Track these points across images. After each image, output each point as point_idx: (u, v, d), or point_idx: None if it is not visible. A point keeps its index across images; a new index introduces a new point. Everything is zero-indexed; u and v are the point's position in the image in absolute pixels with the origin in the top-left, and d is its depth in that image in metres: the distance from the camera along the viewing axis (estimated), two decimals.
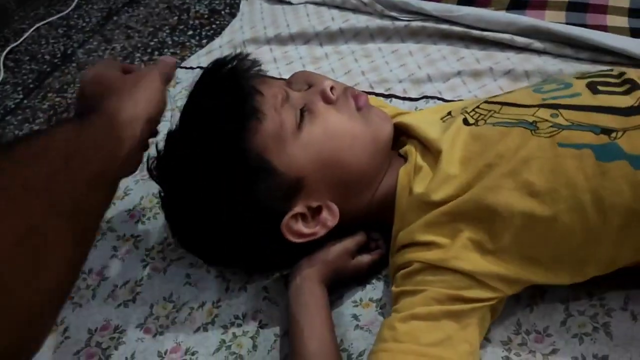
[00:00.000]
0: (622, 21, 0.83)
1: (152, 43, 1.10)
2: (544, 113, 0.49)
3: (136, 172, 0.75)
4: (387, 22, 0.91)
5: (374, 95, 0.78)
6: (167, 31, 1.12)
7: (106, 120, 0.43)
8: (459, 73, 0.80)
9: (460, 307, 0.47)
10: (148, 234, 0.67)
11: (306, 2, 1.02)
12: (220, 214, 0.52)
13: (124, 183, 0.74)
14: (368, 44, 0.91)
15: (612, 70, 0.55)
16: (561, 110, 0.49)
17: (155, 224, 0.68)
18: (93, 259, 0.65)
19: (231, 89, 0.52)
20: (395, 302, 0.50)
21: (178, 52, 1.06)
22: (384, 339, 0.47)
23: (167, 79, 0.52)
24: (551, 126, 0.48)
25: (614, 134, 0.46)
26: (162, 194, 0.58)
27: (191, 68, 0.94)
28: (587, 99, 0.50)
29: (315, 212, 0.53)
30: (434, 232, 0.49)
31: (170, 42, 1.09)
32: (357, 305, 0.56)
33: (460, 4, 0.91)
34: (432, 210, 0.50)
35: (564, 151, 0.46)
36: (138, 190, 0.73)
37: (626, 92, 0.49)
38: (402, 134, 0.60)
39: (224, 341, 0.56)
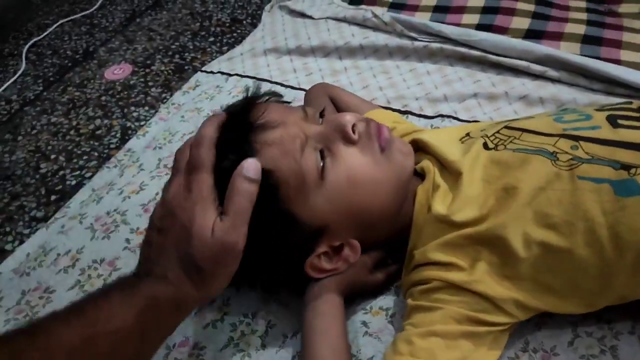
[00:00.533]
0: (636, 56, 0.85)
1: (173, 46, 1.12)
2: (564, 144, 0.50)
3: (152, 169, 0.77)
4: (406, 42, 0.94)
5: (391, 111, 0.79)
6: (189, 36, 1.15)
7: (179, 300, 0.41)
8: (475, 95, 0.82)
9: (477, 329, 0.47)
10: None
11: (327, 18, 1.05)
12: (248, 252, 0.47)
13: (140, 178, 0.76)
14: (386, 60, 0.93)
15: (631, 103, 0.55)
16: (581, 143, 0.50)
17: None
18: (106, 249, 0.66)
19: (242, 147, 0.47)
20: (409, 316, 0.50)
21: (199, 56, 1.08)
22: (399, 352, 0.47)
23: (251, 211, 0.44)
24: (571, 159, 0.48)
25: (633, 170, 0.46)
26: None
27: (212, 72, 0.96)
28: (607, 132, 0.50)
29: (338, 249, 0.53)
30: (453, 254, 0.50)
31: (191, 47, 1.11)
32: (367, 313, 0.57)
33: (478, 29, 0.94)
34: (452, 231, 0.50)
35: (583, 184, 0.47)
36: (153, 186, 0.74)
37: None
38: (418, 150, 0.60)
39: (232, 338, 0.56)
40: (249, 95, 0.54)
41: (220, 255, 0.42)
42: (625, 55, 0.86)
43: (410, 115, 0.81)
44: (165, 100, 0.97)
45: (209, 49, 1.10)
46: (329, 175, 0.49)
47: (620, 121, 0.51)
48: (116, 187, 0.75)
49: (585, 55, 0.84)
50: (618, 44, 0.88)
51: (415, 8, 1.03)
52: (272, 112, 0.50)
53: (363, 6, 1.04)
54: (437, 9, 1.01)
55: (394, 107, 0.82)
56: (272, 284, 0.57)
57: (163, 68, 1.06)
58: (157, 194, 0.72)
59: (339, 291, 0.53)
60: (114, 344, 0.37)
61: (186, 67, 1.06)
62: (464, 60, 0.90)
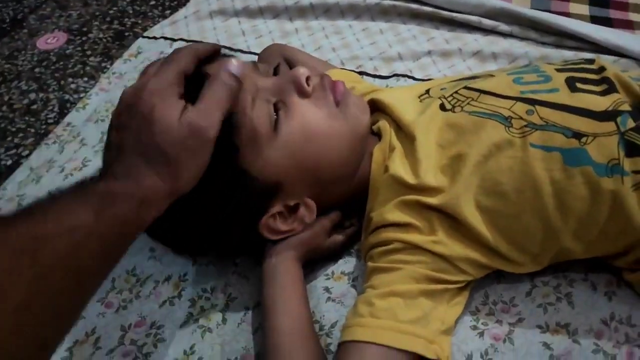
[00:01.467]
0: (584, 9, 0.86)
1: (111, 12, 1.05)
2: (520, 108, 0.49)
3: (95, 143, 0.72)
4: (358, 0, 0.91)
5: (348, 71, 0.77)
6: (128, 0, 1.07)
7: (140, 196, 0.37)
8: (429, 52, 0.81)
9: (436, 287, 0.47)
10: None
11: None
12: (195, 212, 0.47)
13: (82, 154, 0.71)
14: (338, 20, 0.90)
15: (592, 62, 0.55)
16: (537, 107, 0.49)
17: None
18: None
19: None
20: (369, 278, 0.50)
21: (139, 21, 1.01)
22: (360, 314, 0.47)
23: (227, 110, 0.42)
24: (525, 125, 0.48)
25: (584, 139, 0.46)
26: None
27: (154, 38, 0.90)
28: (565, 96, 0.50)
29: (293, 209, 0.52)
30: (410, 215, 0.49)
31: (131, 12, 1.04)
32: (329, 278, 0.56)
33: None
34: (408, 193, 0.50)
35: (534, 152, 0.47)
36: (97, 161, 0.69)
37: (603, 93, 0.49)
38: (376, 110, 0.59)
39: (191, 314, 0.54)
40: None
41: (189, 139, 0.39)
42: (573, 7, 0.86)
43: (365, 76, 0.79)
44: (105, 70, 0.91)
45: (150, 13, 1.03)
46: (282, 128, 0.48)
47: (578, 84, 0.51)
48: (56, 164, 0.70)
49: (536, 9, 0.84)
50: None
51: None
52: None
53: None
54: None
55: (348, 68, 0.80)
56: (227, 248, 0.55)
57: (101, 35, 0.99)
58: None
59: (298, 259, 0.52)
60: (73, 245, 0.33)
61: (126, 34, 1.00)
62: (416, 17, 0.88)
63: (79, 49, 0.97)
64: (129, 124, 0.40)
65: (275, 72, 0.53)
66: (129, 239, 0.39)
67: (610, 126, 0.47)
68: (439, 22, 0.87)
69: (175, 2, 1.05)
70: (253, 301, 0.55)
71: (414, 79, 0.77)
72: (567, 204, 0.46)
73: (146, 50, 0.88)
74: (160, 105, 0.39)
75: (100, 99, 0.80)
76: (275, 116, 0.48)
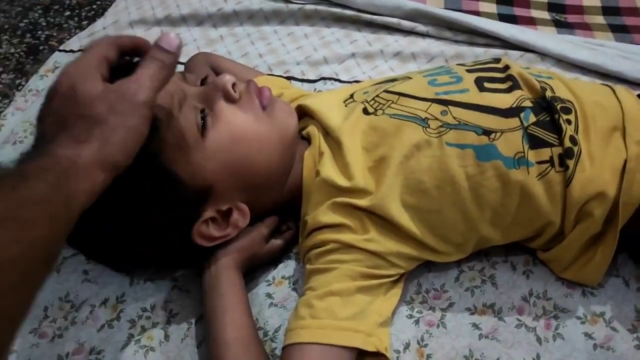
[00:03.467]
0: (492, 7, 0.92)
1: (22, 24, 0.99)
2: (435, 110, 0.53)
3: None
4: (281, 5, 0.92)
5: (276, 77, 0.78)
6: (40, 11, 1.02)
7: (58, 169, 0.34)
8: (353, 55, 0.84)
9: (371, 283, 0.50)
10: None
11: None
12: (126, 219, 0.48)
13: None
14: (263, 26, 0.91)
15: (499, 61, 0.59)
16: (450, 108, 0.53)
17: None
18: None
19: None
20: (308, 280, 0.51)
21: (54, 34, 0.97)
22: (301, 316, 0.48)
23: (162, 84, 0.40)
24: (440, 125, 0.52)
25: (493, 135, 0.51)
26: None
27: (72, 51, 0.86)
28: (474, 96, 0.54)
29: (226, 214, 0.52)
30: (342, 215, 0.51)
31: (44, 24, 0.99)
32: (270, 284, 0.57)
33: None
34: (339, 195, 0.52)
35: (450, 151, 0.51)
36: None
37: (508, 90, 0.54)
38: (303, 115, 0.61)
39: (132, 335, 0.53)
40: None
41: (116, 101, 0.37)
42: (483, 6, 0.92)
43: (293, 81, 0.80)
44: (20, 87, 0.86)
45: (65, 25, 0.99)
46: (209, 133, 0.49)
47: (486, 84, 0.55)
48: None
49: (449, 8, 0.89)
50: None
51: None
52: None
53: None
54: None
55: (276, 74, 0.81)
56: (163, 259, 0.54)
57: (13, 50, 0.93)
58: None
59: (238, 267, 0.53)
60: None
61: (41, 47, 0.95)
62: (339, 20, 0.90)
63: None
64: (49, 109, 0.38)
65: (203, 83, 0.53)
66: (59, 222, 0.34)
67: (515, 122, 0.51)
68: (361, 24, 0.89)
69: (92, 13, 1.01)
70: (195, 315, 0.55)
71: (340, 81, 0.80)
72: (482, 196, 0.50)
73: (64, 64, 0.83)
74: (81, 81, 0.37)
75: (17, 119, 0.76)
76: (202, 122, 0.48)
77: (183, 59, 0.80)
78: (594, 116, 0.52)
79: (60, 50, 0.87)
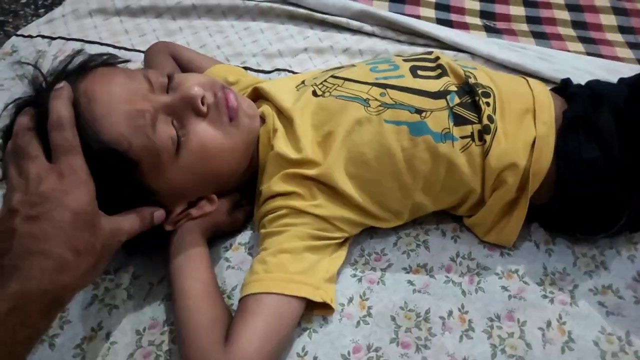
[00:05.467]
0: (431, 12, 1.02)
1: None
2: (375, 92, 0.60)
3: None
4: (237, 1, 0.97)
5: (233, 66, 0.83)
6: None
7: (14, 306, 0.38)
8: (305, 49, 0.90)
9: (318, 243, 0.56)
10: None
11: None
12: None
13: None
14: (221, 20, 0.96)
15: (432, 52, 0.67)
16: (388, 90, 0.60)
17: None
18: None
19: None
20: (262, 243, 0.57)
21: (10, 20, 0.97)
22: (255, 271, 0.54)
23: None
24: (379, 105, 0.59)
25: (424, 114, 0.58)
26: None
27: (30, 37, 0.88)
28: (409, 81, 0.61)
29: (193, 203, 0.57)
30: (293, 184, 0.57)
31: None
32: (227, 250, 0.62)
33: None
34: (290, 167, 0.58)
35: (387, 127, 0.58)
36: None
37: (437, 77, 0.62)
38: (258, 97, 0.67)
39: (96, 296, 0.57)
40: (84, 60, 0.53)
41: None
42: (423, 11, 1.02)
43: (249, 71, 0.86)
44: None
45: (21, 12, 0.99)
46: (183, 151, 0.52)
47: (419, 72, 0.63)
48: None
49: (393, 12, 0.98)
50: (417, 2, 1.04)
51: None
52: (113, 83, 0.50)
53: None
54: None
55: (233, 64, 0.86)
56: (133, 246, 0.58)
57: None
58: None
59: (202, 234, 0.58)
60: None
61: None
62: (293, 18, 0.97)
63: None
64: (46, 214, 0.41)
65: (170, 80, 0.55)
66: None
67: (442, 103, 0.59)
68: (313, 23, 0.96)
69: (49, 1, 1.03)
70: (157, 277, 0.59)
71: (293, 72, 0.86)
72: (415, 166, 0.58)
73: (22, 48, 0.85)
74: (84, 197, 0.43)
75: None
76: (176, 138, 0.52)
77: (143, 47, 0.85)
78: (510, 100, 0.61)
79: (18, 35, 0.88)
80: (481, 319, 0.57)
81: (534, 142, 0.59)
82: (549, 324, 0.56)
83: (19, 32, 0.89)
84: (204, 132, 0.54)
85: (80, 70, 0.51)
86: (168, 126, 0.51)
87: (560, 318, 0.57)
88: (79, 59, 0.52)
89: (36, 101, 0.49)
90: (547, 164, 0.58)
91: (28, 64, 0.52)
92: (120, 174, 0.48)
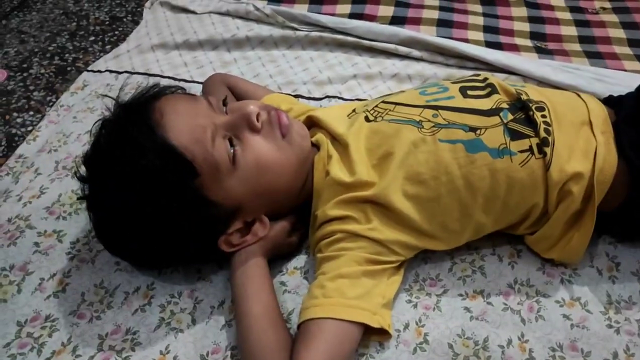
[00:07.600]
0: (479, 35, 1.02)
1: (50, 48, 1.07)
2: (427, 113, 0.61)
3: (51, 172, 0.76)
4: (289, 32, 1.01)
5: (285, 95, 0.86)
6: (66, 36, 1.10)
7: None
8: (354, 76, 0.92)
9: (374, 268, 0.56)
10: (71, 228, 0.68)
11: (210, 12, 1.08)
12: (163, 231, 0.54)
13: (38, 182, 0.74)
14: (273, 50, 1.00)
15: (479, 75, 0.68)
16: (440, 111, 0.61)
17: (77, 218, 0.69)
18: (14, 255, 0.64)
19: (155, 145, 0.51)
20: (319, 267, 0.58)
21: (80, 56, 1.05)
22: (315, 296, 0.55)
23: None
24: (433, 126, 0.60)
25: (479, 131, 0.59)
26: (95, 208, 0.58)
27: (99, 72, 0.95)
28: (460, 101, 0.62)
29: (250, 223, 0.60)
30: (348, 209, 0.58)
31: (70, 47, 1.07)
32: (283, 274, 0.63)
33: (351, 17, 1.05)
34: (346, 192, 0.59)
35: (442, 146, 0.58)
36: (55, 188, 0.73)
37: (487, 96, 0.63)
38: (313, 126, 0.69)
39: (163, 319, 0.59)
40: (152, 87, 0.58)
41: None
42: (471, 34, 1.02)
43: (300, 99, 0.89)
44: (51, 104, 0.94)
45: (90, 49, 1.07)
46: (239, 161, 0.56)
47: (469, 92, 0.64)
48: (13, 194, 0.73)
49: (441, 36, 0.99)
50: (465, 26, 1.04)
51: (293, 0, 1.11)
52: (180, 103, 0.55)
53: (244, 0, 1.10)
54: (313, 1, 1.10)
55: (285, 92, 0.89)
56: (188, 261, 0.62)
57: (43, 71, 1.02)
58: (60, 195, 0.72)
59: (263, 255, 0.60)
60: None
61: (69, 68, 1.03)
62: (342, 46, 1.00)
63: (21, 84, 0.99)
64: None
65: (225, 103, 0.60)
66: None
67: (495, 120, 0.59)
68: (362, 50, 0.99)
69: (115, 38, 1.10)
70: (217, 301, 0.61)
71: (343, 99, 0.88)
72: (473, 183, 0.58)
73: (92, 82, 0.92)
74: None
75: (51, 131, 0.84)
76: (232, 151, 0.55)
77: (201, 79, 0.89)
78: (565, 113, 0.60)
79: (88, 71, 0.95)
80: (543, 348, 0.55)
81: (595, 151, 0.58)
82: (615, 355, 0.54)
83: (89, 68, 0.96)
84: (258, 145, 0.57)
85: (155, 95, 0.57)
86: (225, 142, 0.55)
87: (628, 350, 0.55)
88: (154, 89, 0.58)
89: (116, 121, 0.55)
90: (611, 171, 0.57)
91: (107, 96, 0.59)
92: (183, 181, 0.52)
